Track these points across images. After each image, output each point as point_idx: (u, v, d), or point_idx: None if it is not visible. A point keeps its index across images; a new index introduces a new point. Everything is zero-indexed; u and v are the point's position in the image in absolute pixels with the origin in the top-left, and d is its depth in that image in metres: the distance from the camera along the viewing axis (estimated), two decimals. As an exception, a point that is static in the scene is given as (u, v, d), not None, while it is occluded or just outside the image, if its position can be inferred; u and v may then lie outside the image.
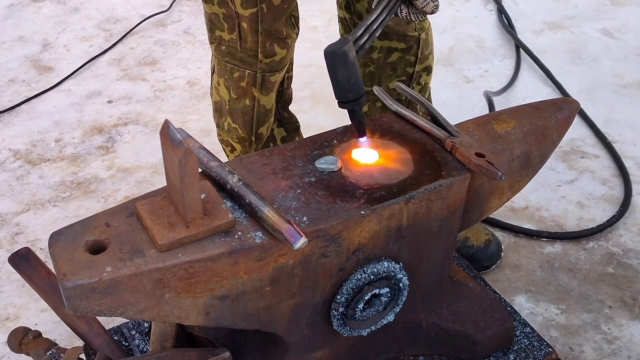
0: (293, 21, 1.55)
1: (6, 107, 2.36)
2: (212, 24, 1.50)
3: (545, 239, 1.82)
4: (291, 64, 1.66)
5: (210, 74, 1.64)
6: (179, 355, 1.00)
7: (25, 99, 2.41)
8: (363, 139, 1.06)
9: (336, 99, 1.08)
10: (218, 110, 1.63)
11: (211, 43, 1.54)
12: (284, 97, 1.70)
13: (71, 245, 0.86)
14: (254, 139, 1.62)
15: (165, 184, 0.91)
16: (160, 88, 2.48)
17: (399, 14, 1.18)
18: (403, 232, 1.02)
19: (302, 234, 0.86)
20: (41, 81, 2.51)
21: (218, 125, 1.65)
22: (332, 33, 2.46)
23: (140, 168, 2.11)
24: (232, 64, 1.51)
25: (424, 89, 1.66)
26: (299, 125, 1.79)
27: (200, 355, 0.99)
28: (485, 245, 1.73)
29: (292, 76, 1.70)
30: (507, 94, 2.44)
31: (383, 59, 1.57)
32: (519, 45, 2.64)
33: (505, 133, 1.13)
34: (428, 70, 1.63)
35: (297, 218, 0.93)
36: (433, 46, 1.61)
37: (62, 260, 0.84)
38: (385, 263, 1.02)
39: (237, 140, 1.62)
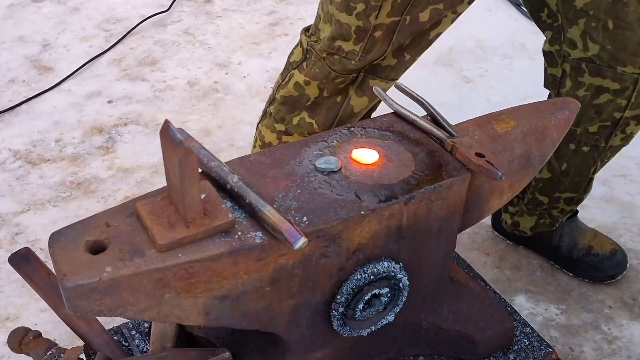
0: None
1: (6, 107, 2.36)
2: (338, 34, 1.37)
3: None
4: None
5: (287, 68, 1.53)
6: (179, 355, 1.01)
7: (25, 99, 2.41)
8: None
9: None
10: (290, 104, 1.51)
11: (319, 47, 1.42)
12: None
13: (71, 245, 0.86)
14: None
15: (165, 184, 0.91)
16: (160, 88, 2.48)
17: None
18: (403, 232, 1.02)
19: (302, 234, 0.86)
20: (41, 81, 2.52)
21: (283, 119, 1.54)
22: (332, 33, 2.46)
23: (140, 168, 2.12)
24: (340, 73, 1.42)
25: (627, 139, 1.51)
26: None
27: (200, 355, 0.99)
28: (610, 254, 1.71)
29: None
30: (507, 93, 2.44)
31: (589, 99, 1.43)
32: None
33: (505, 133, 1.13)
34: (638, 119, 1.45)
35: (297, 218, 0.93)
36: None
37: (62, 260, 0.84)
38: (386, 263, 1.02)
39: (305, 135, 1.53)
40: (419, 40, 1.40)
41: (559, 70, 1.48)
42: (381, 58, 1.39)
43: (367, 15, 1.30)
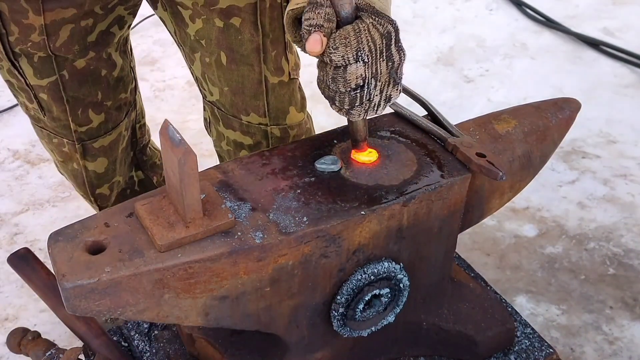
0: (131, 76, 1.38)
1: (5, 107, 2.36)
2: (12, 89, 1.28)
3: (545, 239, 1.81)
4: (141, 113, 1.49)
5: None
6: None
7: (24, 98, 2.40)
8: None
9: None
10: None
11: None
12: (139, 144, 1.51)
13: (70, 245, 0.86)
14: (93, 199, 1.47)
15: (165, 184, 0.90)
16: (159, 88, 2.47)
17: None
18: (403, 232, 1.02)
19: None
20: (41, 81, 2.51)
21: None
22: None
23: (140, 168, 2.11)
24: (47, 130, 1.33)
25: None
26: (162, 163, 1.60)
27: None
28: None
29: (144, 124, 1.52)
30: (507, 93, 2.44)
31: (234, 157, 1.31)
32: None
33: (506, 133, 1.12)
34: None
35: (297, 218, 0.92)
36: None
37: (61, 261, 0.84)
38: (386, 263, 1.02)
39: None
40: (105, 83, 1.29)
41: (207, 114, 1.33)
42: (80, 121, 1.30)
43: (14, 75, 1.22)
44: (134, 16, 1.29)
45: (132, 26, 1.33)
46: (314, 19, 0.86)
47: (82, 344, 1.18)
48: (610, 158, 2.12)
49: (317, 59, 0.91)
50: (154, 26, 2.77)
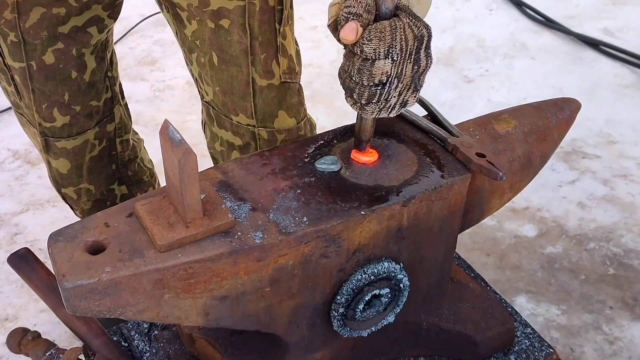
0: (105, 85, 1.35)
1: (5, 107, 2.36)
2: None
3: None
4: (123, 128, 1.45)
5: None
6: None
7: (24, 98, 2.40)
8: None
9: None
10: None
11: None
12: (120, 159, 1.49)
13: (70, 245, 0.86)
14: (61, 196, 1.48)
15: (165, 184, 0.90)
16: (159, 88, 2.48)
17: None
18: (403, 232, 1.01)
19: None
20: (41, 81, 2.51)
21: None
22: (332, 33, 2.46)
23: (140, 168, 2.11)
24: (25, 117, 1.35)
25: None
26: (152, 179, 1.64)
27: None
28: None
29: (129, 140, 1.49)
30: (507, 93, 2.44)
31: (227, 157, 1.33)
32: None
33: (506, 133, 1.12)
34: None
35: (297, 218, 0.92)
36: None
37: (61, 261, 0.84)
38: (386, 263, 1.02)
39: None
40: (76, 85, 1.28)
41: (204, 115, 1.34)
42: (44, 116, 1.29)
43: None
44: (114, 20, 1.30)
45: (125, 33, 1.33)
46: (354, 7, 0.87)
47: (82, 344, 1.18)
48: (610, 158, 2.12)
49: (345, 48, 0.92)
50: (154, 26, 2.77)
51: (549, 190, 2.00)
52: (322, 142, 1.06)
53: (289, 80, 1.24)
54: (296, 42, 1.29)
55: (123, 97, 1.46)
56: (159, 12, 1.28)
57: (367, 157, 1.02)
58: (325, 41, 2.73)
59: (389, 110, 0.94)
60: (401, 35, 0.87)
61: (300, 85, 1.30)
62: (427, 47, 0.90)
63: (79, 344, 1.27)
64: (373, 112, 0.93)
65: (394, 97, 0.92)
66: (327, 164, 1.01)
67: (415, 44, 0.88)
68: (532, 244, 1.85)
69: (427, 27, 0.89)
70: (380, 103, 0.92)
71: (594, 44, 2.66)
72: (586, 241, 1.84)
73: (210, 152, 1.39)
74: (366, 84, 0.90)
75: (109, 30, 1.31)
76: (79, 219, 0.91)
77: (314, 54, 2.62)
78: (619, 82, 2.48)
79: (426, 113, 1.14)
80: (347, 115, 1.17)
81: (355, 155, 1.03)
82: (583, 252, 1.82)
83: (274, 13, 1.16)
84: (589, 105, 2.28)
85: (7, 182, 2.07)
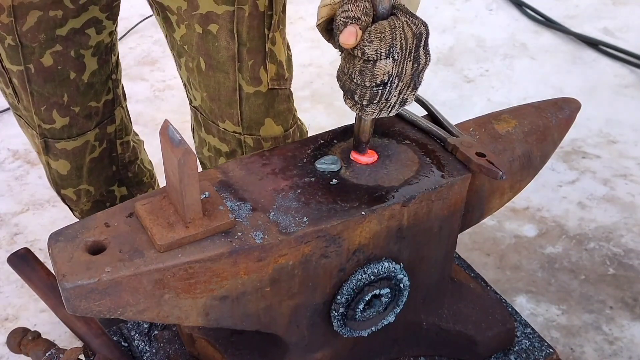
0: (107, 86, 1.35)
1: (5, 107, 2.36)
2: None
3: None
4: (124, 130, 1.46)
5: None
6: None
7: (24, 98, 2.40)
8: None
9: None
10: None
11: None
12: (120, 160, 1.50)
13: (70, 245, 0.86)
14: (60, 197, 1.48)
15: (165, 184, 0.90)
16: (159, 88, 2.48)
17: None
18: (404, 232, 1.01)
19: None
20: (41, 81, 2.51)
21: None
22: (332, 33, 2.46)
23: (140, 168, 2.11)
24: (23, 119, 1.34)
25: None
26: (151, 181, 1.64)
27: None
28: None
29: (129, 142, 1.50)
30: (507, 93, 2.44)
31: (215, 164, 1.33)
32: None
33: (506, 133, 1.12)
34: None
35: (297, 218, 0.92)
36: None
37: (62, 261, 0.84)
38: (386, 263, 1.02)
39: None
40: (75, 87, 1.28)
41: (192, 120, 1.34)
42: (43, 117, 1.29)
43: None
44: (113, 22, 1.29)
45: (125, 33, 1.33)
46: (352, 11, 0.87)
47: (82, 344, 1.18)
48: (610, 158, 2.12)
49: (343, 51, 0.92)
50: (154, 26, 2.77)
51: (549, 190, 2.00)
52: (322, 142, 1.06)
53: (277, 87, 1.23)
54: (288, 47, 1.28)
55: (125, 99, 1.46)
56: (156, 14, 1.28)
57: (366, 158, 1.02)
58: (325, 41, 2.73)
59: (389, 109, 0.94)
60: (401, 34, 0.87)
61: (290, 91, 1.29)
62: (426, 44, 0.90)
63: (79, 344, 1.27)
64: (374, 112, 0.93)
65: (394, 96, 0.92)
66: (327, 164, 1.01)
67: (415, 42, 0.88)
68: (532, 244, 1.85)
69: (425, 24, 0.89)
70: (380, 103, 0.92)
71: (594, 44, 2.66)
72: (586, 241, 1.84)
73: (198, 157, 1.39)
74: (368, 85, 0.90)
75: (111, 33, 1.30)
76: (78, 220, 0.91)
77: (314, 54, 2.62)
78: (619, 82, 2.48)
79: (426, 113, 1.14)
80: (347, 115, 1.17)
81: (354, 156, 1.03)
82: (583, 252, 1.82)
83: (264, 18, 1.15)
84: (589, 105, 2.28)
85: (7, 182, 2.07)
